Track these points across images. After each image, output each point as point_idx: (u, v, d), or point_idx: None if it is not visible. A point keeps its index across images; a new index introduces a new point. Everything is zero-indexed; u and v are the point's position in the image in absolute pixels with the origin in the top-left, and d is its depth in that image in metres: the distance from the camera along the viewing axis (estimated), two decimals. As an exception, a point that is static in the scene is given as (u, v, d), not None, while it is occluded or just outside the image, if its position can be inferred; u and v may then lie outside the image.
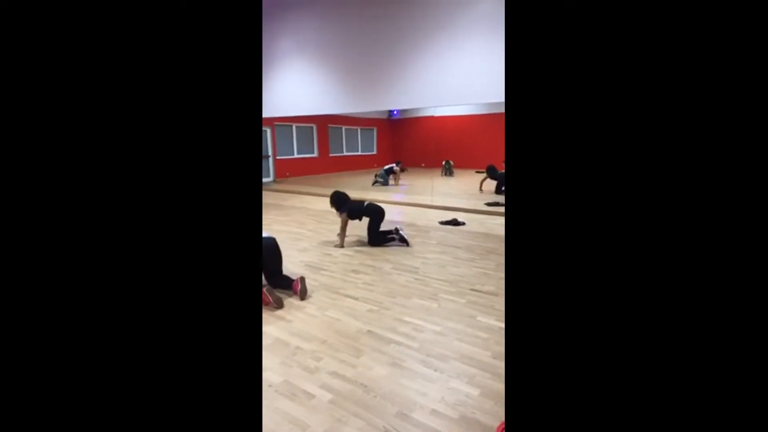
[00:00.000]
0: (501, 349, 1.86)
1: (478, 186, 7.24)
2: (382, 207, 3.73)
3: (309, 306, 2.35)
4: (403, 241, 3.67)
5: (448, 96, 4.52)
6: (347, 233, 3.70)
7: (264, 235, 2.48)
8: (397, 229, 3.73)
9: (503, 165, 8.08)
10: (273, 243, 2.56)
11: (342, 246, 3.63)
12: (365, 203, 3.66)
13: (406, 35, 4.72)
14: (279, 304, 2.29)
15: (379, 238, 3.66)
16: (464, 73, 4.28)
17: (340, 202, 3.58)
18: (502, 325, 2.10)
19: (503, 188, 6.87)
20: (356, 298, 2.47)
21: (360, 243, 3.77)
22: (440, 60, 4.46)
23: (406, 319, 2.18)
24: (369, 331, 2.04)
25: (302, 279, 2.48)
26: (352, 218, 3.61)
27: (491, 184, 7.15)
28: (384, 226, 3.76)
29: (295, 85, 5.98)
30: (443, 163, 9.93)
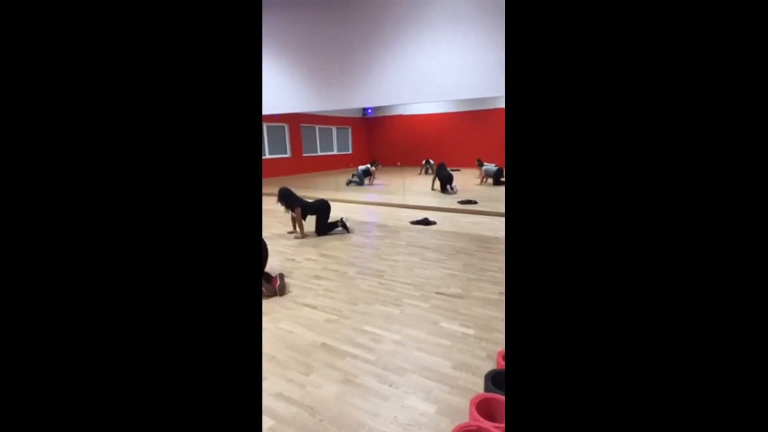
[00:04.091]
0: (462, 357, 1.76)
1: (439, 186, 7.16)
2: (328, 202, 4.22)
3: (263, 318, 2.19)
4: (345, 228, 4.18)
5: (425, 92, 4.39)
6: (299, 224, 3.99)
7: None
8: (341, 219, 4.21)
9: (483, 160, 8.14)
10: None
11: (303, 236, 3.95)
12: (312, 201, 4.12)
13: (379, 30, 4.57)
14: (272, 293, 2.50)
15: (326, 228, 4.11)
16: (441, 69, 4.17)
17: (290, 198, 3.93)
18: (465, 330, 2.00)
19: (450, 186, 6.94)
20: (314, 307, 2.32)
21: (315, 240, 3.61)
22: (416, 56, 4.34)
23: (366, 328, 2.05)
24: (323, 344, 1.89)
25: (281, 275, 2.63)
26: (305, 216, 3.98)
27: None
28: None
29: (264, 83, 5.76)
30: (423, 162, 9.85)
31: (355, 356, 1.78)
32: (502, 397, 1.21)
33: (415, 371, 1.66)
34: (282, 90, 5.55)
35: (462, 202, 5.70)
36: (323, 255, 3.38)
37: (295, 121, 10.48)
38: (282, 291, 2.55)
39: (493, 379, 1.34)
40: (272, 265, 3.07)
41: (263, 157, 9.73)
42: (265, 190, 7.47)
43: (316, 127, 11.53)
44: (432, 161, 8.35)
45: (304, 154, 11.13)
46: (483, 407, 1.19)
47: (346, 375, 1.64)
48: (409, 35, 4.38)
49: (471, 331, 2.00)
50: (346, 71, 4.90)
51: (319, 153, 11.78)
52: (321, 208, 4.10)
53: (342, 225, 4.19)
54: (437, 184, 7.12)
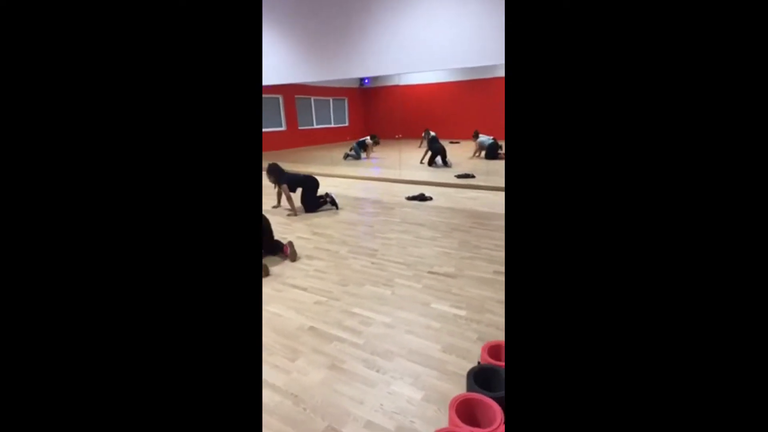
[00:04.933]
0: (452, 340, 1.72)
1: (427, 159, 6.90)
2: (316, 177, 4.12)
3: (250, 300, 2.15)
4: (334, 204, 4.09)
5: (423, 61, 4.19)
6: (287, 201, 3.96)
7: None
8: (327, 194, 4.13)
9: (486, 133, 7.91)
10: (264, 219, 2.78)
11: (296, 213, 3.87)
12: (299, 174, 4.10)
13: None
14: (266, 272, 2.47)
15: (314, 204, 4.04)
16: (439, 37, 3.96)
17: (277, 174, 3.85)
18: (457, 311, 1.96)
19: (442, 159, 6.75)
20: (304, 289, 2.27)
21: (305, 218, 3.54)
22: (413, 23, 4.10)
23: (355, 310, 2.01)
24: (311, 328, 1.86)
25: (291, 243, 2.73)
26: (292, 189, 3.92)
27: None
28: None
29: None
30: (423, 133, 9.55)
31: (342, 340, 1.75)
32: (484, 398, 1.16)
33: (403, 355, 1.63)
34: (276, 59, 5.30)
35: (459, 176, 5.58)
36: (315, 233, 3.32)
37: (289, 92, 10.14)
38: (294, 257, 2.69)
39: (475, 377, 1.29)
40: (263, 245, 3.02)
41: (257, 131, 9.49)
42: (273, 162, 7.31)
43: (312, 99, 11.18)
44: (433, 133, 8.13)
45: (300, 127, 10.85)
46: (463, 409, 1.14)
47: (332, 360, 1.61)
48: (406, 2, 4.12)
49: (463, 312, 1.96)
50: (342, 40, 4.65)
51: (315, 126, 11.49)
52: (307, 183, 4.03)
53: (330, 201, 4.11)
54: (428, 157, 6.88)
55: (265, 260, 2.68)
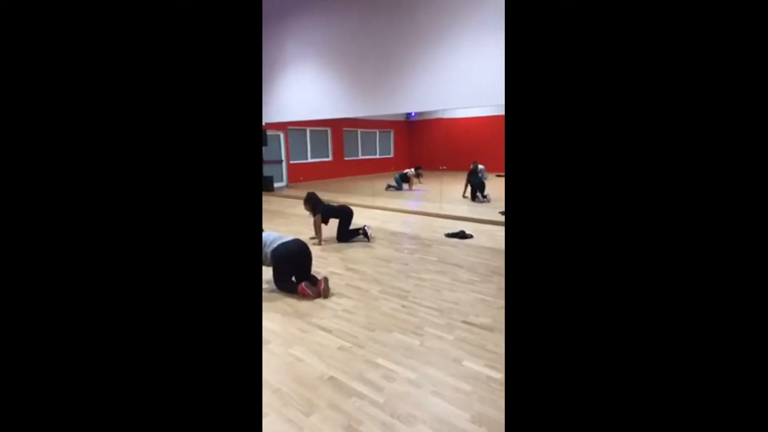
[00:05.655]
0: (483, 408, 1.53)
1: (463, 191, 6.87)
2: (351, 208, 4.18)
3: (275, 339, 2.10)
4: (366, 236, 4.09)
5: (464, 97, 4.21)
6: (324, 233, 4.06)
7: (290, 238, 2.82)
8: (364, 227, 4.13)
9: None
10: (305, 245, 2.84)
11: (321, 243, 3.96)
12: (336, 205, 4.14)
13: (419, 35, 4.44)
14: (317, 295, 2.60)
15: (347, 235, 4.07)
16: (482, 74, 3.96)
17: (314, 203, 3.90)
18: (492, 374, 1.77)
19: (482, 194, 6.56)
20: (330, 331, 2.20)
21: (336, 248, 3.50)
22: (456, 60, 4.16)
23: (379, 361, 1.88)
24: (331, 378, 1.76)
25: (326, 279, 2.70)
26: (326, 219, 3.98)
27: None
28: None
29: (305, 89, 5.83)
30: (471, 165, 9.39)
31: (363, 396, 1.62)
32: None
33: (426, 421, 1.47)
34: (324, 96, 5.57)
35: (503, 213, 5.33)
36: (349, 269, 3.27)
37: (338, 125, 10.57)
38: (326, 294, 2.66)
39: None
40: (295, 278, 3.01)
41: (306, 161, 9.92)
42: (303, 194, 7.60)
43: (358, 131, 11.55)
44: (481, 166, 7.93)
45: (346, 158, 11.19)
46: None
47: (349, 419, 1.48)
48: (450, 40, 4.20)
49: (498, 375, 1.76)
50: (388, 77, 4.80)
51: (361, 156, 11.80)
52: (343, 214, 4.07)
53: (363, 233, 4.10)
54: (468, 191, 6.75)
55: (295, 297, 2.66)
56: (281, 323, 2.30)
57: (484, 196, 6.56)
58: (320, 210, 3.93)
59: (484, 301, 2.57)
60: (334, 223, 4.10)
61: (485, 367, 1.82)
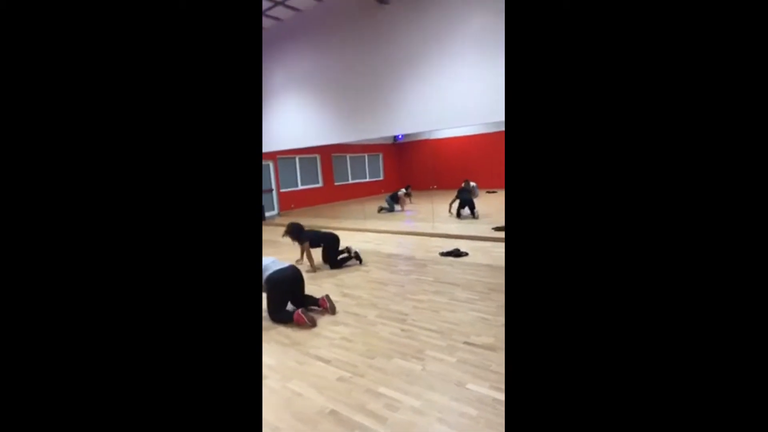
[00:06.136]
0: (492, 434, 1.47)
1: (449, 208, 6.96)
2: (336, 234, 4.18)
3: (272, 374, 2.02)
4: (357, 258, 4.09)
5: (450, 118, 4.31)
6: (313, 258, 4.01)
7: (287, 264, 2.80)
8: (348, 248, 4.13)
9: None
10: (299, 271, 2.80)
11: (314, 270, 3.91)
12: (319, 232, 4.12)
13: (404, 59, 4.57)
14: (313, 323, 2.54)
15: (338, 261, 4.05)
16: (466, 94, 4.08)
17: (297, 232, 3.92)
18: (497, 395, 1.71)
19: (469, 209, 6.59)
20: (328, 361, 2.12)
21: (331, 275, 3.44)
22: (442, 82, 4.27)
23: (381, 390, 1.81)
24: (332, 412, 1.68)
25: (327, 297, 2.74)
26: (313, 246, 3.96)
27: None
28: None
29: (293, 118, 5.91)
30: (462, 183, 9.47)
31: (366, 429, 1.55)
32: None
33: (434, 453, 1.40)
34: (313, 124, 5.64)
35: (497, 229, 5.34)
36: (345, 294, 3.21)
37: (326, 151, 10.67)
38: (333, 310, 2.72)
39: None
40: (289, 307, 2.93)
41: (296, 188, 9.92)
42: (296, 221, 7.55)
43: (347, 156, 11.66)
44: (473, 183, 8.00)
45: (336, 183, 11.24)
46: None
47: (352, 456, 1.41)
48: (433, 62, 4.33)
49: (503, 396, 1.70)
50: (373, 102, 4.90)
51: (351, 181, 11.86)
52: (328, 240, 4.07)
53: (354, 256, 4.09)
54: (455, 206, 6.78)
55: (290, 327, 2.58)
56: (277, 355, 2.22)
57: (473, 213, 6.60)
58: (305, 237, 3.92)
59: (485, 320, 2.52)
60: (319, 250, 4.08)
61: (491, 389, 1.76)
